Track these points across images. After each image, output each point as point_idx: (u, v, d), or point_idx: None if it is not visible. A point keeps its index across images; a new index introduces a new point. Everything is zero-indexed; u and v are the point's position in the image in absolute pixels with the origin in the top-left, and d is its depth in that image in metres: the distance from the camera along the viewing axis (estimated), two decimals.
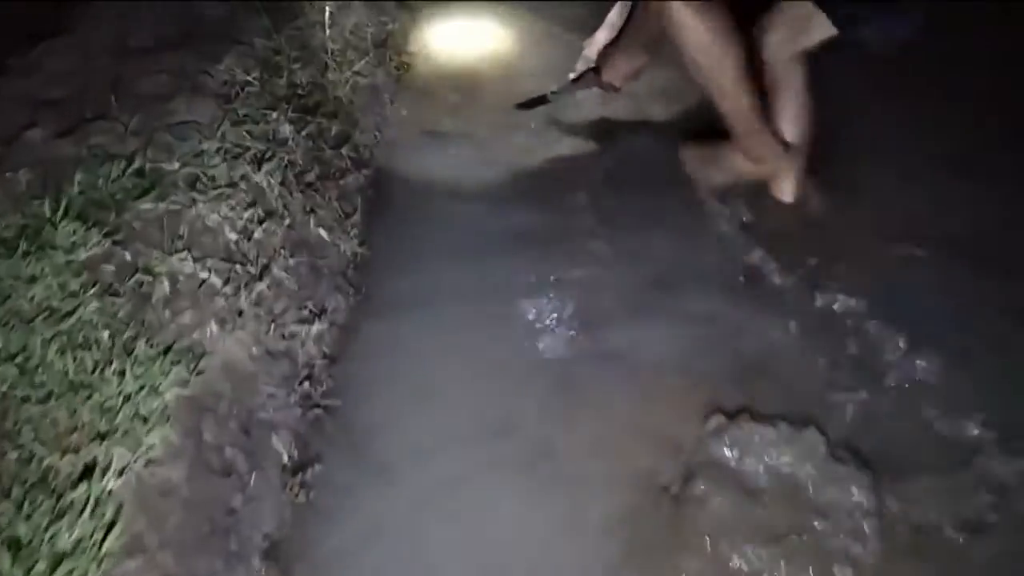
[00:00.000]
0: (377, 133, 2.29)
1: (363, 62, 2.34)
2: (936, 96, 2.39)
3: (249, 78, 1.81)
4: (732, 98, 1.84)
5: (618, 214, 2.03)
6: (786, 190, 2.03)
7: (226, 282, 1.45)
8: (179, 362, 1.28)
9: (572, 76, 2.26)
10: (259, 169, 1.64)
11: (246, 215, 1.56)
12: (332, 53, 2.20)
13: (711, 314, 1.78)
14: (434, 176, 2.17)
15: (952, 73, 2.42)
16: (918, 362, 1.66)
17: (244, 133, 1.69)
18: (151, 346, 1.28)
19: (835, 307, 1.79)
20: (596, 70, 2.19)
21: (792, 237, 1.95)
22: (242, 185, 1.61)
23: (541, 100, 2.28)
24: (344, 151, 2.00)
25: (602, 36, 2.24)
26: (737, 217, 2.00)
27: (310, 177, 1.85)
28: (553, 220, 2.01)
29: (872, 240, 1.97)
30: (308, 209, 1.77)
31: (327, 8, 2.24)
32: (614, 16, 2.22)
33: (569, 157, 2.20)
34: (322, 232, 1.79)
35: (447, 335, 1.73)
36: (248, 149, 1.69)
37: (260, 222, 1.59)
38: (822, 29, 1.79)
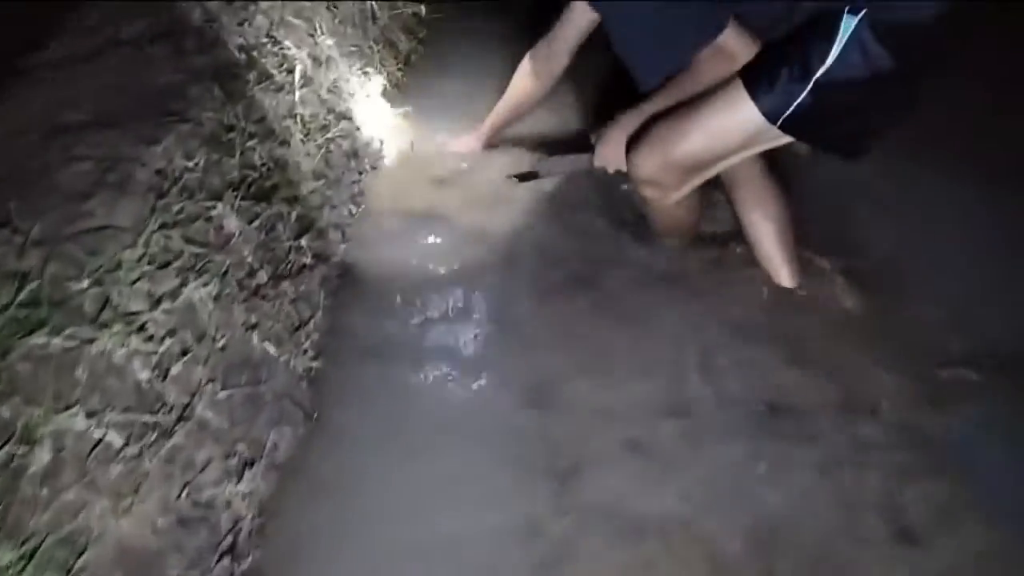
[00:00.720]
0: (352, 208, 2.02)
1: (341, 125, 2.07)
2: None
3: (190, 164, 1.53)
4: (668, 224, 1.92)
5: (613, 317, 1.74)
6: (783, 275, 1.83)
7: (128, 440, 1.18)
8: (49, 564, 1.00)
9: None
10: (185, 283, 1.36)
11: (165, 346, 1.29)
12: (302, 120, 1.92)
13: (723, 454, 1.48)
14: (411, 261, 1.89)
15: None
16: (977, 529, 1.35)
17: (176, 236, 1.41)
18: (14, 546, 1.00)
19: (874, 449, 1.48)
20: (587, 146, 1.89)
21: (824, 355, 1.65)
22: (165, 305, 1.34)
23: (535, 175, 1.99)
24: (305, 241, 1.72)
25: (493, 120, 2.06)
26: (756, 327, 1.69)
27: (260, 279, 1.58)
28: (538, 321, 1.73)
29: (916, 359, 1.66)
30: (251, 323, 1.49)
31: (298, 67, 1.96)
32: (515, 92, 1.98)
33: (559, 243, 1.92)
34: (268, 347, 1.52)
35: (409, 478, 1.45)
36: (180, 255, 1.41)
37: (183, 352, 1.31)
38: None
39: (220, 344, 1.41)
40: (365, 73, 2.30)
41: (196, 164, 1.57)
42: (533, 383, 1.61)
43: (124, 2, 1.98)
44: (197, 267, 1.43)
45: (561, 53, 1.86)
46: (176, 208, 1.48)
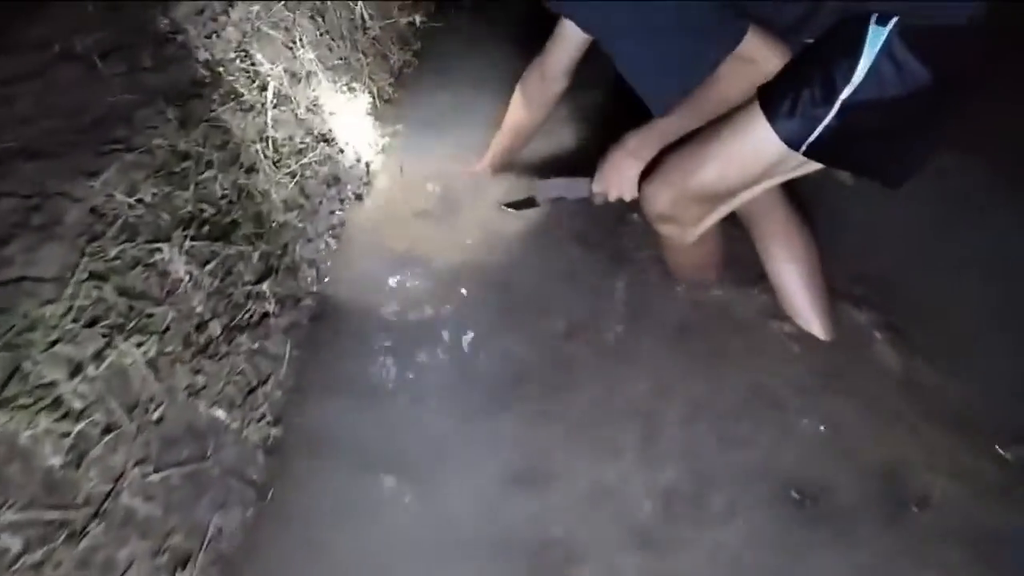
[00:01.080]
0: (330, 241, 1.83)
1: (319, 148, 1.89)
2: None
3: (132, 200, 1.35)
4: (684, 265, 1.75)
5: (618, 375, 1.55)
6: (813, 327, 1.65)
7: (29, 544, 0.99)
8: None
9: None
10: (113, 344, 1.18)
11: (81, 425, 1.10)
12: (273, 144, 1.74)
13: (744, 551, 1.28)
14: (392, 307, 1.71)
15: None
16: None
17: (108, 288, 1.23)
18: None
19: (924, 548, 1.28)
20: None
21: (864, 427, 1.44)
22: (89, 370, 1.16)
23: (531, 202, 1.79)
24: (267, 286, 1.54)
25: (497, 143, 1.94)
26: (783, 390, 1.49)
27: (211, 331, 1.40)
28: (532, 380, 1.54)
29: (973, 435, 1.45)
30: (198, 387, 1.31)
31: (271, 84, 1.78)
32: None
33: (557, 287, 1.74)
34: (217, 414, 1.33)
35: (375, 571, 1.26)
36: (112, 309, 1.23)
37: (107, 430, 1.13)
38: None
39: (155, 416, 1.23)
40: (351, 89, 2.12)
41: (140, 200, 1.39)
42: (523, 455, 1.42)
43: (84, 11, 1.83)
44: (131, 324, 1.25)
45: (556, 76, 1.70)
46: (112, 253, 1.30)
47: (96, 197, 1.35)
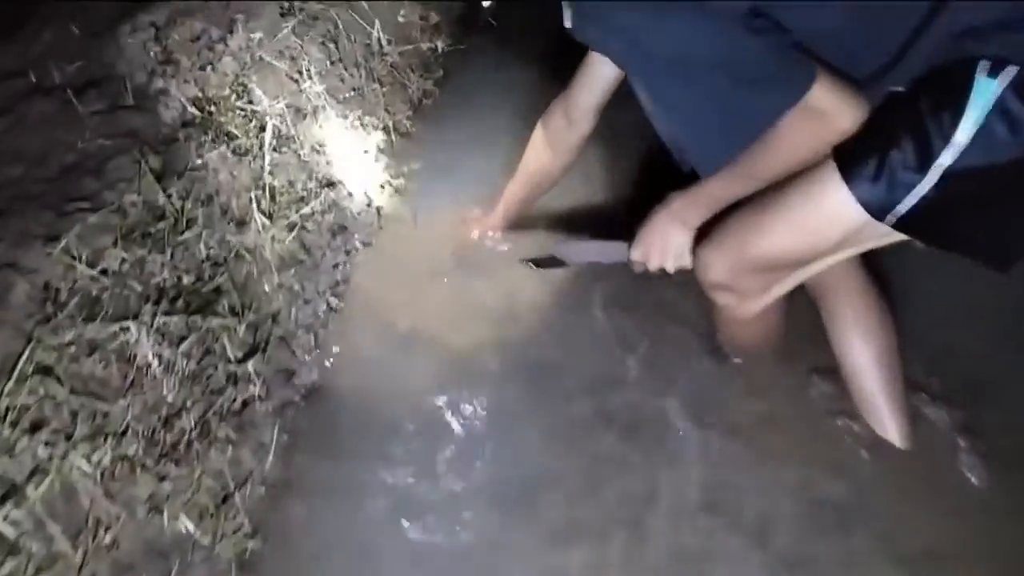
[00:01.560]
0: (332, 300, 1.65)
1: (324, 194, 1.71)
2: None
3: (94, 272, 1.18)
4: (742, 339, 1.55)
5: (650, 482, 1.35)
6: (890, 429, 1.43)
7: None
8: None
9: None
10: (56, 455, 1.00)
11: (12, 565, 0.92)
12: (270, 192, 1.56)
13: None
14: (397, 393, 1.52)
15: None
16: None
17: (54, 384, 1.06)
18: None
19: None
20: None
21: (946, 558, 1.23)
22: (29, 490, 0.98)
23: (558, 260, 1.57)
24: (253, 364, 1.36)
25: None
26: (852, 503, 1.31)
27: (183, 424, 1.21)
28: (556, 484, 1.37)
29: None
30: (162, 496, 1.13)
31: (270, 124, 1.61)
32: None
33: (586, 367, 1.55)
34: (183, 526, 1.15)
35: None
36: (60, 409, 1.06)
37: (41, 567, 0.95)
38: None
39: (107, 539, 1.05)
40: (364, 124, 1.94)
41: (104, 270, 1.21)
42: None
43: (68, 33, 1.67)
44: (82, 427, 1.07)
45: (580, 120, 1.49)
46: (67, 338, 1.13)
47: (51, 269, 1.18)
